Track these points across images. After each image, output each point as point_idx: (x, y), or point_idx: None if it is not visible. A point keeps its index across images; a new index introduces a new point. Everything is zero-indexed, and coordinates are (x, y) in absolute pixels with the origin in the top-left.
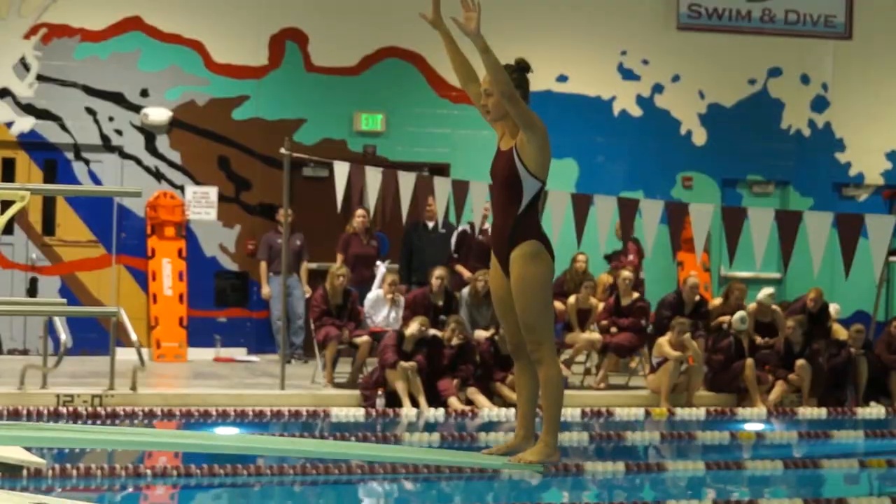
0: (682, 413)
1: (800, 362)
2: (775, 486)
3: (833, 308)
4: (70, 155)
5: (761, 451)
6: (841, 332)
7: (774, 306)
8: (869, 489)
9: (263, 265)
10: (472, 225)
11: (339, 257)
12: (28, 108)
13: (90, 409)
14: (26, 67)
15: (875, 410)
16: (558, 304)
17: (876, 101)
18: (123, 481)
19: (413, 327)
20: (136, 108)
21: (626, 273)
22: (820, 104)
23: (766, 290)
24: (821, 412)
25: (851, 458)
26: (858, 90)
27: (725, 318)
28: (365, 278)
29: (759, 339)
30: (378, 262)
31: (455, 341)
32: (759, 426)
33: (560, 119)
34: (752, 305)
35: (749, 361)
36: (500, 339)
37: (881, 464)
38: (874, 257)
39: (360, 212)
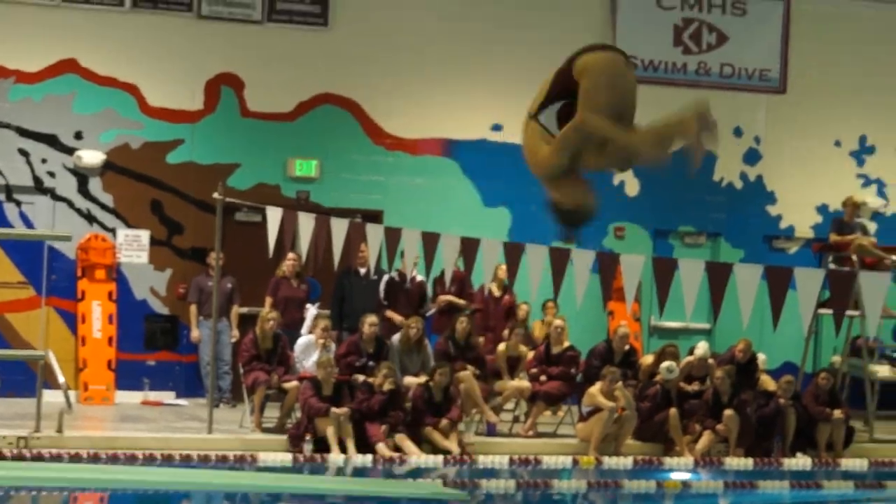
0: (610, 462)
1: (728, 412)
2: None
3: (761, 359)
4: (1, 196)
5: (688, 501)
6: (769, 383)
7: (709, 360)
8: None
9: (193, 308)
10: (400, 273)
11: (269, 300)
12: None
13: (15, 450)
14: None
15: (802, 461)
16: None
17: (808, 155)
18: None
19: (324, 358)
20: (70, 151)
21: (558, 322)
22: (752, 157)
23: (703, 346)
24: (747, 462)
25: None
26: (790, 144)
27: (649, 361)
28: (295, 321)
29: (687, 387)
30: (308, 305)
31: (386, 387)
32: (685, 475)
33: (494, 167)
34: (688, 359)
35: (673, 411)
36: (434, 385)
37: None
38: (802, 309)
39: (290, 255)
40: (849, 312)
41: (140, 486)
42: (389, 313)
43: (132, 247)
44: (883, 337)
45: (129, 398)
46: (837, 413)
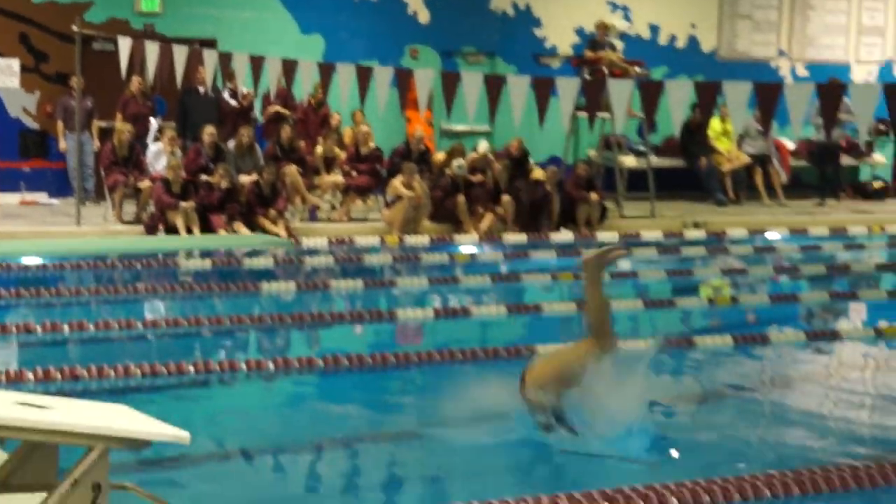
0: (410, 240)
1: (505, 198)
2: (486, 297)
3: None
4: None
5: (474, 269)
6: (538, 173)
7: (489, 155)
8: (560, 296)
9: (60, 124)
10: (231, 91)
11: (119, 115)
12: None
13: None
14: None
15: (565, 235)
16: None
17: None
18: None
19: (173, 162)
20: None
21: (365, 128)
22: None
23: (484, 144)
24: (522, 237)
25: (546, 273)
26: None
27: (440, 158)
28: (143, 132)
29: (472, 178)
30: (152, 119)
31: (223, 185)
32: (472, 249)
33: (309, 1)
34: (472, 155)
35: (461, 198)
36: (263, 181)
37: (569, 277)
38: (563, 112)
39: (136, 78)
40: (600, 114)
41: None
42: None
43: (5, 73)
44: (629, 133)
45: (9, 199)
46: (593, 196)
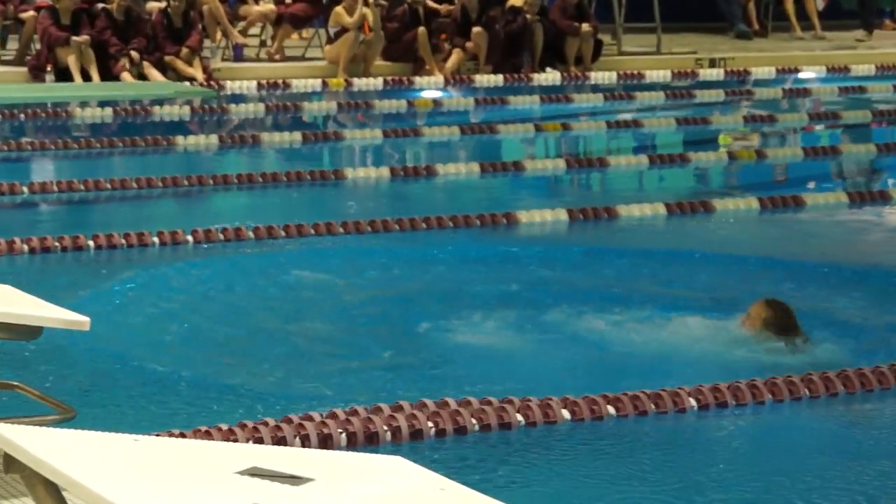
0: (360, 83)
1: (476, 29)
2: (452, 152)
3: None
4: None
5: (438, 119)
6: None
7: None
8: (545, 152)
9: None
10: None
11: None
12: None
13: None
14: None
15: (551, 76)
16: None
17: None
18: None
19: None
20: None
21: None
22: None
23: None
24: (497, 79)
25: (528, 123)
26: None
27: None
28: None
29: (435, 5)
30: None
31: (117, 15)
32: (436, 94)
33: None
34: None
35: (421, 30)
36: (172, 10)
37: (556, 127)
38: None
39: None
40: None
41: None
42: None
43: None
44: None
45: None
46: (585, 27)
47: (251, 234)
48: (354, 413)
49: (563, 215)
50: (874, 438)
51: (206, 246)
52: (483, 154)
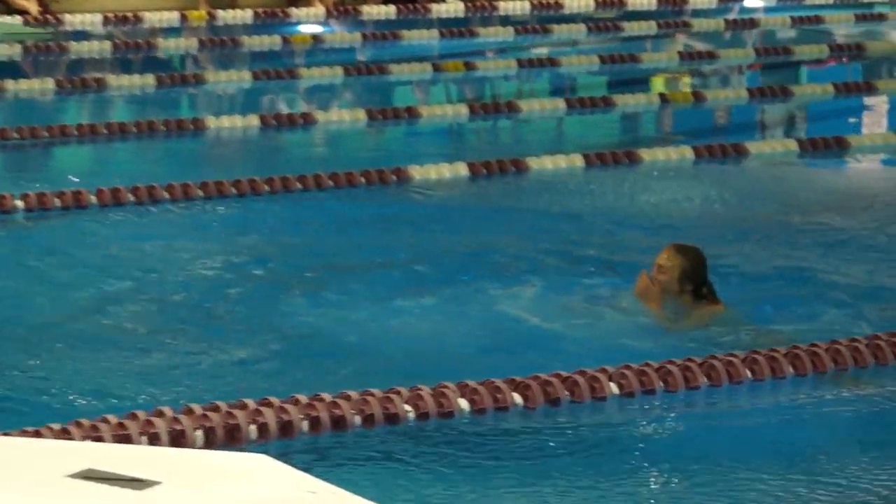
0: (226, 16)
1: None
2: (335, 97)
3: None
4: None
5: (319, 57)
6: None
7: None
8: (444, 96)
9: None
10: None
11: None
12: None
13: None
14: None
15: (452, 6)
16: None
17: None
18: None
19: None
20: None
21: None
22: None
23: None
24: (389, 10)
25: (424, 62)
26: None
27: None
28: None
29: None
30: None
31: None
32: (316, 28)
33: None
34: None
35: None
36: None
37: (458, 67)
38: None
39: None
40: None
41: None
42: None
43: None
44: None
45: None
46: None
47: (93, 199)
48: (215, 408)
49: (463, 170)
50: (818, 424)
51: (39, 213)
52: (371, 99)
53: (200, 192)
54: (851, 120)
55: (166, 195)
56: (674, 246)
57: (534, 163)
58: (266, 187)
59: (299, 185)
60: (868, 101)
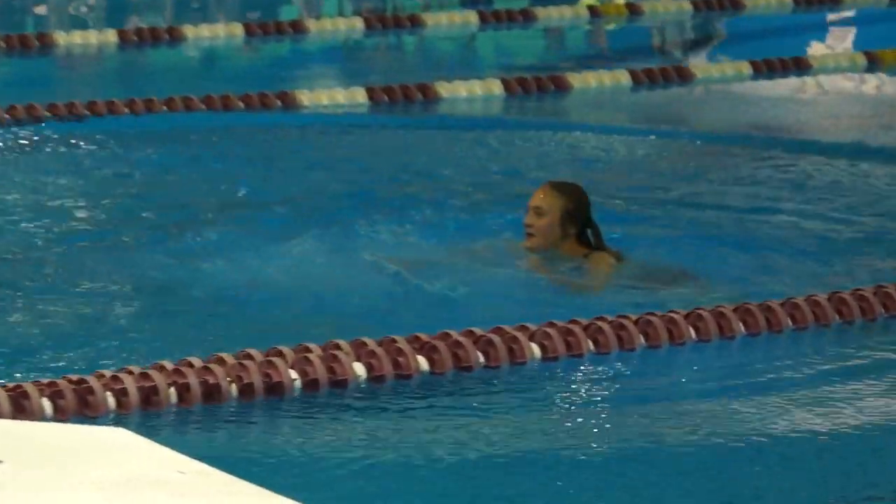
0: None
1: None
2: (207, 8)
3: None
4: None
5: None
6: None
7: None
8: (337, 7)
9: None
10: None
11: None
12: None
13: None
14: None
15: None
16: None
17: None
18: None
19: None
20: None
21: None
22: None
23: None
24: None
25: None
26: None
27: None
28: None
29: None
30: None
31: None
32: None
33: None
34: None
35: None
36: None
37: None
38: None
39: None
40: None
41: None
42: None
43: None
44: None
45: None
46: None
47: None
48: (66, 377)
49: (360, 96)
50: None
51: None
52: (249, 10)
53: (48, 114)
54: (812, 37)
55: (7, 117)
56: (550, 184)
57: (443, 88)
58: (126, 109)
59: (164, 108)
60: (831, 16)
